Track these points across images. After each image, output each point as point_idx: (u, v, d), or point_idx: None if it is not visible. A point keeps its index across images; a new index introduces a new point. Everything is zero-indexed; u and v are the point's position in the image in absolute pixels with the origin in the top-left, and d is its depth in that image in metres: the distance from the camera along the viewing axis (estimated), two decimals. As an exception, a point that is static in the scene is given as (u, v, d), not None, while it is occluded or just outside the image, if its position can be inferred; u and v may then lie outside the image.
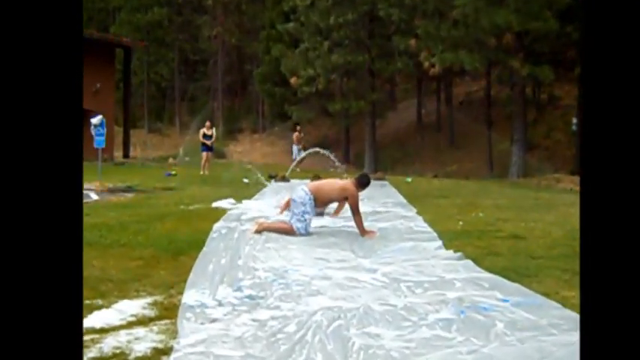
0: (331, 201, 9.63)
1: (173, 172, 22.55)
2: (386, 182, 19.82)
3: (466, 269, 6.72)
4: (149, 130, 51.01)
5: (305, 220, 9.05)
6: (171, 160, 34.85)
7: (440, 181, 24.09)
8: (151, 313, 5.22)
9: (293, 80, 36.65)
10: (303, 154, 27.43)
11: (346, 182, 9.61)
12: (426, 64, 30.36)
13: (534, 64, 26.23)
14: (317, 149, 25.57)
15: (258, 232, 8.84)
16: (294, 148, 28.52)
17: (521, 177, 26.81)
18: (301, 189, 9.35)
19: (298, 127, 29.96)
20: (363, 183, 9.53)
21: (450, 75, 37.73)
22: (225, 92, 52.96)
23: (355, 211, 9.21)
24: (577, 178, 23.82)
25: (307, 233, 9.00)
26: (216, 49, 52.31)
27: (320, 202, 9.44)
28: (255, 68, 47.38)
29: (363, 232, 9.04)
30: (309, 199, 9.14)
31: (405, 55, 33.33)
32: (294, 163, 24.28)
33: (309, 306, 5.27)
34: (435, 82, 40.18)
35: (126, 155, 32.16)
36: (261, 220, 9.64)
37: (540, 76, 26.50)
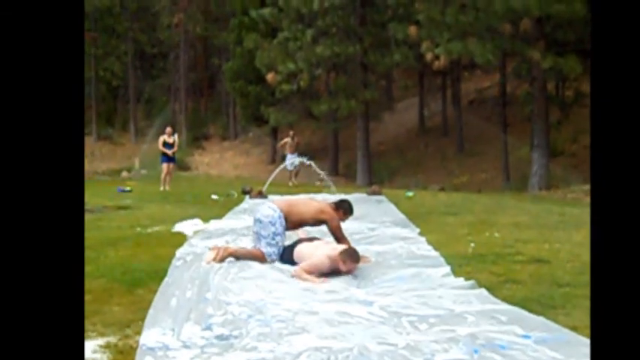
0: (304, 224, 9.42)
1: (128, 188, 22.56)
2: (383, 197, 19.86)
3: (480, 300, 6.74)
4: (98, 137, 50.94)
5: (276, 243, 8.94)
6: (125, 173, 34.87)
7: (447, 194, 24.14)
8: (102, 357, 5.20)
9: (270, 77, 36.60)
10: (289, 163, 27.48)
11: (323, 204, 9.53)
12: (429, 55, 30.39)
13: (557, 54, 26.33)
14: (301, 159, 25.67)
15: (222, 260, 8.75)
16: (289, 157, 28.25)
17: (543, 189, 26.88)
18: (268, 206, 9.21)
19: (292, 133, 29.79)
20: (343, 210, 9.47)
21: (458, 69, 37.86)
22: (189, 92, 53.06)
23: (339, 237, 9.23)
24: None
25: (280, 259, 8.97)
26: (177, 41, 52.40)
27: (291, 224, 9.23)
28: (224, 63, 47.44)
29: None
30: (279, 218, 9.00)
31: (404, 46, 33.39)
32: (272, 177, 24.17)
33: (292, 347, 5.25)
34: (439, 77, 40.33)
35: (70, 168, 32.07)
36: (219, 246, 9.50)
37: (565, 68, 26.58)
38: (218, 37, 49.98)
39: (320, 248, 8.60)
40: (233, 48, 43.52)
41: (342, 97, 34.93)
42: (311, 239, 9.03)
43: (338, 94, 35.71)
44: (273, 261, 8.84)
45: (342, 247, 8.57)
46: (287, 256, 8.82)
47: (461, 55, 28.53)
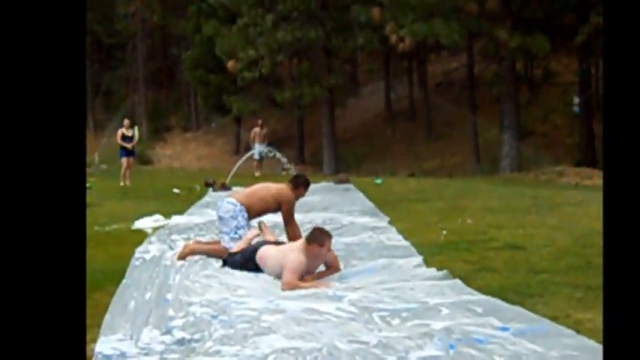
0: (267, 210, 9.33)
1: (87, 185, 22.23)
2: (350, 185, 19.79)
3: (454, 291, 6.64)
4: (55, 133, 50.41)
5: (240, 236, 8.86)
6: (84, 169, 34.44)
7: (417, 180, 24.16)
8: (55, 369, 4.99)
9: (231, 64, 36.32)
10: (257, 152, 27.34)
11: (280, 186, 9.45)
12: (394, 38, 30.28)
13: (525, 33, 26.31)
14: (268, 149, 25.57)
15: (182, 257, 8.64)
16: (257, 147, 28.02)
17: (515, 171, 26.93)
18: (227, 202, 9.16)
19: (260, 122, 29.58)
20: (298, 184, 9.38)
21: (424, 51, 37.83)
22: (148, 83, 52.67)
23: (289, 221, 9.20)
24: (583, 170, 24.04)
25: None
26: (134, 31, 51.94)
27: (254, 212, 9.19)
28: (184, 52, 47.14)
29: None
30: (240, 211, 8.98)
31: (368, 29, 33.24)
32: (235, 168, 23.88)
33: (258, 349, 5.10)
34: (405, 60, 40.27)
35: (27, 166, 31.71)
36: (190, 243, 9.43)
37: (533, 48, 26.61)
38: (176, 25, 49.57)
39: (282, 248, 8.06)
40: (192, 36, 43.19)
41: (306, 84, 34.75)
42: (276, 243, 8.64)
43: (301, 81, 35.55)
44: None
45: (300, 239, 8.23)
46: (245, 260, 8.20)
47: (426, 36, 28.41)
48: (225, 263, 8.31)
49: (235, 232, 8.87)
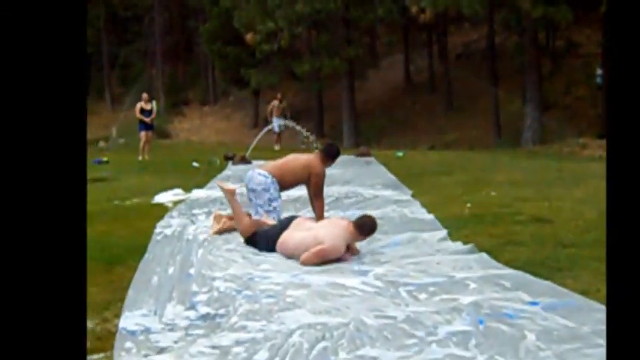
0: (298, 182, 9.25)
1: (104, 159, 22.29)
2: (372, 159, 19.75)
3: (481, 265, 6.61)
4: (72, 107, 50.41)
5: (274, 208, 8.86)
6: (102, 143, 34.56)
7: (438, 153, 24.06)
8: (79, 344, 4.98)
9: (249, 37, 36.20)
10: (276, 125, 27.35)
11: (310, 157, 9.36)
12: (414, 9, 30.15)
13: (548, 3, 26.07)
14: (287, 122, 25.53)
15: (217, 233, 8.63)
16: (275, 122, 27.99)
17: (537, 144, 26.78)
18: (258, 174, 9.06)
19: (279, 95, 29.52)
20: (330, 154, 9.27)
21: (444, 22, 37.58)
22: (165, 56, 52.56)
23: (318, 195, 9.09)
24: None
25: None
26: (151, 3, 51.85)
27: (285, 184, 9.14)
28: (201, 24, 47.01)
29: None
30: (272, 183, 8.93)
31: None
32: (255, 141, 23.88)
33: (283, 324, 5.08)
34: (425, 31, 40.06)
35: (45, 140, 31.74)
36: (220, 213, 9.35)
37: (556, 18, 26.34)
38: (193, -3, 49.53)
39: (316, 229, 7.59)
40: (209, 8, 43.01)
41: (325, 56, 34.59)
42: (288, 222, 8.08)
43: (320, 53, 35.39)
44: None
45: (342, 222, 7.75)
46: (266, 243, 7.87)
47: (447, 7, 28.23)
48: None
49: (269, 205, 8.85)
